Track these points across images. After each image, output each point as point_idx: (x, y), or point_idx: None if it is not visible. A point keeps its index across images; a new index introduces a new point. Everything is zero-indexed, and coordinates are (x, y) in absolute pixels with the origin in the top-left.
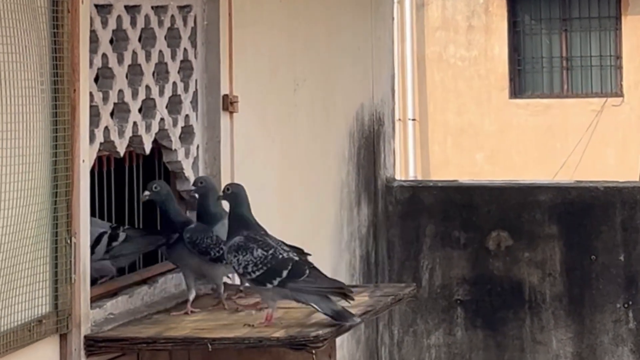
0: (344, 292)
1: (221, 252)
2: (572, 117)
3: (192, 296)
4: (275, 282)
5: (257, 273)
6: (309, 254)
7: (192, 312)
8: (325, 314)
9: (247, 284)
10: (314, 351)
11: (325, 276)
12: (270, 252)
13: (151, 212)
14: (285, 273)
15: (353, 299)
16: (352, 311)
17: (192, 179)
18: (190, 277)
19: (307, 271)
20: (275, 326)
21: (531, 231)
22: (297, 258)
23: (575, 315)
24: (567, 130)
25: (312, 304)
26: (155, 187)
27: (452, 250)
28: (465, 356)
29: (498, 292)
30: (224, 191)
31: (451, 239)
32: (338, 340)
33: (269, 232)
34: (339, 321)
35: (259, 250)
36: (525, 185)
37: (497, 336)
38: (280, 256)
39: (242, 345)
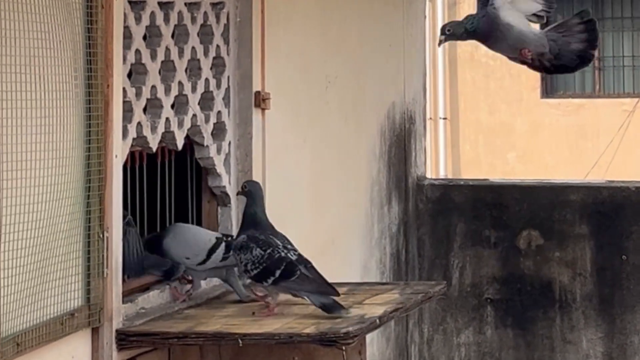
0: (328, 294)
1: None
2: (604, 117)
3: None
4: (270, 281)
5: (255, 272)
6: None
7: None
8: (314, 304)
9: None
10: (344, 348)
11: (319, 277)
12: (268, 251)
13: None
14: (278, 273)
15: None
16: (383, 308)
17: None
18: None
19: (298, 273)
20: (307, 321)
21: (562, 231)
22: (293, 258)
23: (606, 315)
24: (599, 130)
25: (305, 297)
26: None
27: (482, 249)
28: (495, 355)
29: (528, 291)
30: (242, 187)
31: (482, 237)
32: (368, 337)
33: (277, 230)
34: (327, 312)
35: (258, 249)
36: (556, 185)
37: (527, 335)
38: (277, 255)
39: (272, 341)
